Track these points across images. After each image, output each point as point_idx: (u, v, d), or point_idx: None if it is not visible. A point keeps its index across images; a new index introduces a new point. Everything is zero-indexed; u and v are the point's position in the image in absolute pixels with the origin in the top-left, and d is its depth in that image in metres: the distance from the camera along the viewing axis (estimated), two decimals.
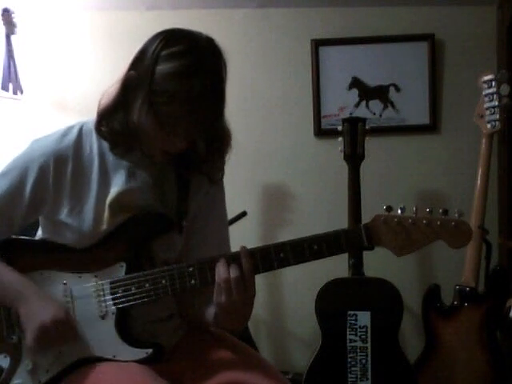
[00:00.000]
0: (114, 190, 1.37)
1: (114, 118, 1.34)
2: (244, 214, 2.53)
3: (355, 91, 2.80)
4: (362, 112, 2.77)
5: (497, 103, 2.35)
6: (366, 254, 2.38)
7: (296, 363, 2.78)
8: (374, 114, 2.80)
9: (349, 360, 2.34)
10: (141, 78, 1.27)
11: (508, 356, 2.31)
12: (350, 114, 2.76)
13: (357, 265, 2.39)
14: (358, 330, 2.33)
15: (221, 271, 1.27)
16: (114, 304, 1.34)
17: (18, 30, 2.54)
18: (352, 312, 2.33)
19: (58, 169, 1.36)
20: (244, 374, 1.34)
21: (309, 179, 2.82)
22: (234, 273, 1.27)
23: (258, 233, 2.79)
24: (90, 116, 1.43)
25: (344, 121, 2.45)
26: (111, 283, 1.34)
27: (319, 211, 2.79)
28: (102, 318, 1.34)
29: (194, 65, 1.25)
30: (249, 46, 2.80)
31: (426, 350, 2.38)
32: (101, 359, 1.33)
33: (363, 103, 2.80)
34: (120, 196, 1.37)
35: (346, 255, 2.43)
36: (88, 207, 1.37)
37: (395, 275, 2.45)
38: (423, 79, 2.78)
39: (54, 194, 1.37)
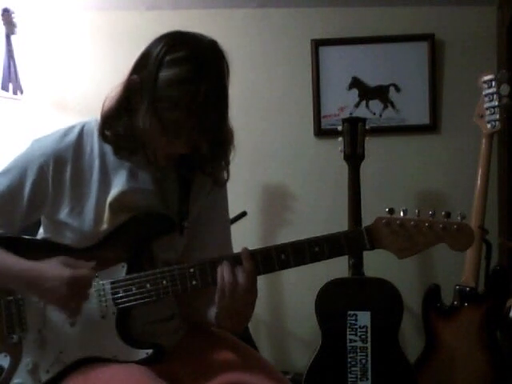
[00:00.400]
0: (114, 191, 1.37)
1: (117, 123, 1.34)
2: (244, 214, 2.53)
3: (355, 91, 2.80)
4: (362, 112, 2.77)
5: (497, 103, 2.35)
6: (366, 254, 2.38)
7: (296, 363, 2.78)
8: (374, 113, 2.80)
9: (349, 360, 2.34)
10: (144, 83, 1.27)
11: (508, 356, 2.31)
12: (350, 113, 2.76)
13: (357, 265, 2.39)
14: (358, 329, 2.33)
15: (223, 273, 1.27)
16: (115, 304, 1.34)
17: (17, 30, 2.54)
18: (352, 312, 2.33)
19: (58, 169, 1.36)
20: (244, 375, 1.34)
21: (309, 179, 2.82)
22: (235, 275, 1.27)
23: (258, 233, 2.79)
24: (89, 116, 1.43)
25: (344, 121, 2.45)
26: (112, 283, 1.34)
27: (319, 211, 2.79)
28: (103, 317, 1.34)
29: (197, 71, 1.25)
30: (249, 46, 2.80)
31: (426, 350, 2.39)
32: (101, 359, 1.34)
33: (363, 103, 2.80)
34: (121, 196, 1.37)
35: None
36: (88, 207, 1.37)
37: (395, 275, 2.45)
38: (423, 79, 2.78)
39: (54, 194, 1.37)
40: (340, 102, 2.80)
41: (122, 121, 1.33)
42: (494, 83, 2.35)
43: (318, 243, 1.29)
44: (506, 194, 2.76)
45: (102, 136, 1.37)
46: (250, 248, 1.32)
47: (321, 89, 2.79)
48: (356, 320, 2.33)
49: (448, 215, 1.28)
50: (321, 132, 2.81)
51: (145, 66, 1.29)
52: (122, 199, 1.37)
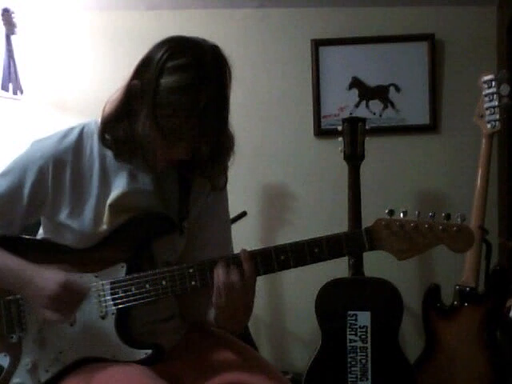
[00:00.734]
0: (115, 192, 1.37)
1: (117, 127, 1.33)
2: (244, 214, 2.53)
3: (355, 91, 2.80)
4: (362, 112, 2.77)
5: (497, 103, 2.35)
6: (366, 254, 2.37)
7: (296, 363, 2.79)
8: (374, 113, 2.80)
9: (349, 360, 2.34)
10: (145, 88, 1.27)
11: (508, 356, 2.31)
12: (350, 114, 2.76)
13: (357, 265, 2.39)
14: (358, 329, 2.33)
15: (220, 274, 1.27)
16: (114, 304, 1.34)
17: (17, 30, 2.55)
18: (352, 312, 2.33)
19: (57, 171, 1.36)
20: (244, 375, 1.34)
21: (309, 179, 2.82)
22: (233, 275, 1.27)
23: (257, 233, 2.79)
24: (89, 116, 1.44)
25: (344, 121, 2.45)
26: (111, 283, 1.34)
27: (319, 211, 2.79)
28: (102, 318, 1.34)
29: (199, 78, 1.24)
30: (249, 46, 2.80)
31: (426, 350, 2.38)
32: (100, 359, 1.33)
33: (363, 103, 2.81)
34: (121, 198, 1.37)
35: None
36: (88, 208, 1.37)
37: (395, 275, 2.46)
38: (423, 79, 2.78)
39: (54, 196, 1.37)
40: (340, 102, 2.80)
41: (122, 125, 1.33)
42: (493, 83, 2.35)
43: (318, 244, 1.29)
44: (506, 194, 2.76)
45: (102, 140, 1.37)
46: (250, 248, 1.32)
47: (321, 89, 2.80)
48: (356, 320, 2.33)
49: (448, 217, 1.28)
50: (321, 132, 2.81)
51: (146, 71, 1.28)
52: (122, 200, 1.37)
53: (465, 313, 2.32)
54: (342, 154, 2.44)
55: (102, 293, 1.34)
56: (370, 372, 2.33)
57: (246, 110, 2.76)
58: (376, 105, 2.80)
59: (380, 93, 2.80)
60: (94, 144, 1.39)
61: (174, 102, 1.24)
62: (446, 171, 2.81)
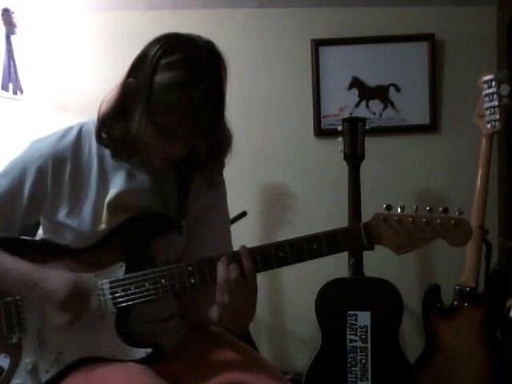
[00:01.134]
0: (113, 191, 1.37)
1: (114, 126, 1.33)
2: (244, 214, 2.52)
3: (355, 91, 2.80)
4: (362, 112, 2.77)
5: (497, 103, 2.35)
6: (366, 253, 2.39)
7: (296, 363, 2.78)
8: (374, 114, 2.80)
9: (349, 360, 2.34)
10: (140, 86, 1.26)
11: (508, 356, 2.31)
12: (350, 114, 2.76)
13: (357, 265, 2.39)
14: (358, 329, 2.33)
15: (222, 271, 1.27)
16: (114, 304, 1.34)
17: (17, 29, 2.54)
18: (352, 312, 2.33)
19: (57, 170, 1.36)
20: (244, 375, 1.34)
21: (309, 179, 2.82)
22: (234, 272, 1.27)
23: (257, 233, 2.79)
24: (89, 116, 1.43)
25: (344, 121, 2.45)
26: (111, 283, 1.34)
27: (319, 211, 2.79)
28: (102, 317, 1.34)
29: (193, 75, 1.24)
30: (249, 46, 2.80)
31: (426, 350, 2.38)
32: (100, 359, 1.34)
33: (363, 103, 2.80)
34: (119, 197, 1.37)
35: (346, 255, 2.43)
36: (87, 208, 1.37)
37: (395, 275, 2.46)
38: (423, 79, 2.78)
39: (53, 195, 1.37)
40: (340, 102, 2.80)
41: (118, 124, 1.33)
42: (493, 83, 2.35)
43: (316, 240, 1.29)
44: (506, 194, 2.76)
45: (99, 139, 1.36)
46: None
47: (321, 89, 2.79)
48: (356, 320, 2.33)
49: (445, 211, 1.28)
50: (321, 132, 2.81)
51: (141, 69, 1.27)
52: (120, 199, 1.37)
53: (465, 313, 2.32)
54: (342, 154, 2.44)
55: (101, 292, 1.34)
56: (370, 372, 2.33)
57: (246, 110, 2.76)
58: (376, 105, 2.80)
59: (380, 93, 2.80)
60: (92, 143, 1.39)
61: (170, 99, 1.24)
62: (446, 171, 2.81)
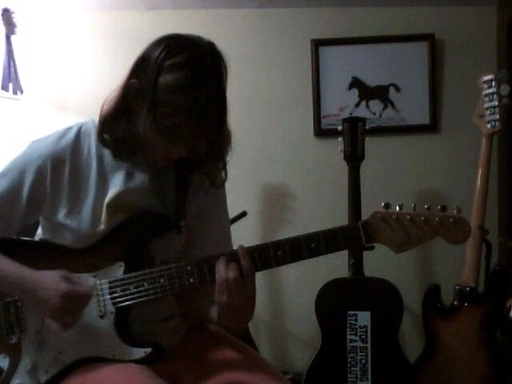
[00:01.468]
0: (112, 191, 1.37)
1: (116, 127, 1.34)
2: (244, 214, 2.53)
3: (355, 91, 2.80)
4: (362, 112, 2.77)
5: (497, 103, 2.35)
6: (366, 253, 2.39)
7: (296, 363, 2.78)
8: (374, 114, 2.80)
9: (349, 360, 2.34)
10: (143, 87, 1.27)
11: (508, 356, 2.31)
12: (350, 114, 2.76)
13: (357, 265, 2.39)
14: (358, 329, 2.33)
15: (221, 271, 1.27)
16: (113, 303, 1.34)
17: (17, 30, 2.54)
18: (352, 312, 2.33)
19: (56, 170, 1.36)
20: (244, 374, 1.34)
21: (309, 179, 2.82)
22: (233, 272, 1.27)
23: (257, 233, 2.79)
24: (89, 116, 1.44)
25: (344, 121, 2.45)
26: (110, 283, 1.34)
27: (319, 211, 2.79)
28: (101, 317, 1.34)
29: (197, 76, 1.25)
30: (249, 46, 2.80)
31: (426, 350, 2.38)
32: (100, 359, 1.34)
33: (363, 103, 2.80)
34: (118, 197, 1.37)
35: (346, 255, 2.43)
36: (86, 208, 1.37)
37: (395, 275, 2.46)
38: (423, 79, 2.78)
39: (52, 196, 1.37)
40: (340, 102, 2.80)
41: (120, 125, 1.33)
42: (493, 83, 2.34)
43: (315, 239, 1.29)
44: (506, 194, 2.76)
45: (101, 140, 1.37)
46: None
47: (321, 89, 2.79)
48: (356, 320, 2.33)
49: (444, 209, 1.28)
50: (321, 132, 2.81)
51: (144, 70, 1.28)
52: (119, 200, 1.37)
53: (465, 313, 2.32)
54: (342, 154, 2.44)
55: (100, 292, 1.34)
56: (370, 372, 2.33)
57: (246, 110, 2.76)
58: (376, 105, 2.80)
59: (380, 93, 2.80)
60: (91, 143, 1.39)
61: (174, 100, 1.24)
62: (445, 171, 2.81)
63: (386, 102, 2.80)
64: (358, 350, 2.33)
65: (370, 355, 2.33)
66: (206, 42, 1.30)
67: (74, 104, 2.71)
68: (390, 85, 2.80)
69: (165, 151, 1.33)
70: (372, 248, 2.18)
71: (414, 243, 1.29)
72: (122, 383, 1.26)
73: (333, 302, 2.37)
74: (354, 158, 2.43)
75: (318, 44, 2.78)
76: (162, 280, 1.32)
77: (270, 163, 2.82)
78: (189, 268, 1.32)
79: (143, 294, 1.33)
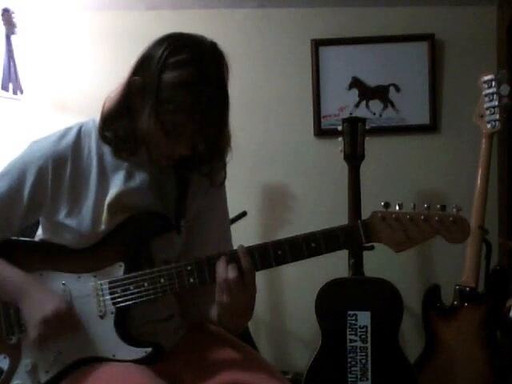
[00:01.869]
0: (112, 191, 1.37)
1: (118, 124, 1.34)
2: (244, 214, 2.53)
3: (355, 91, 2.80)
4: (362, 112, 2.77)
5: (497, 103, 2.34)
6: (366, 254, 2.38)
7: (296, 363, 2.78)
8: (374, 114, 2.80)
9: (349, 360, 2.34)
10: (146, 85, 1.27)
11: (508, 356, 2.31)
12: (350, 114, 2.76)
13: (357, 265, 2.39)
14: (358, 329, 2.33)
15: (221, 271, 1.27)
16: (113, 304, 1.34)
17: (17, 29, 2.54)
18: (352, 312, 2.33)
19: (57, 170, 1.36)
20: (244, 374, 1.34)
21: (309, 179, 2.82)
22: (233, 272, 1.27)
23: (257, 233, 2.79)
24: (89, 116, 1.44)
25: (344, 121, 2.45)
26: (110, 283, 1.34)
27: (319, 211, 2.79)
28: (101, 317, 1.34)
29: (201, 73, 1.25)
30: (249, 46, 2.80)
31: (426, 350, 2.38)
32: (100, 359, 1.34)
33: (363, 103, 2.80)
34: (119, 196, 1.37)
35: (346, 255, 2.43)
36: (86, 208, 1.37)
37: (395, 275, 2.46)
38: (423, 79, 2.78)
39: (53, 196, 1.37)
40: (340, 102, 2.80)
41: (122, 122, 1.33)
42: (493, 83, 2.34)
43: (315, 238, 1.29)
44: (506, 194, 2.76)
45: (102, 137, 1.37)
46: None
47: (321, 89, 2.79)
48: (356, 320, 2.33)
49: (443, 208, 1.28)
50: (321, 132, 2.81)
51: (146, 67, 1.28)
52: (119, 199, 1.37)
53: (465, 313, 2.32)
54: (342, 154, 2.44)
55: (100, 292, 1.34)
56: (370, 372, 2.33)
57: (246, 110, 2.76)
58: (376, 105, 2.80)
59: (380, 93, 2.80)
60: (91, 143, 1.40)
61: (177, 97, 1.25)
62: (445, 171, 2.81)
63: (386, 102, 2.80)
64: (358, 350, 2.33)
65: (370, 355, 2.33)
66: (209, 42, 1.31)
67: (74, 104, 2.71)
68: (389, 85, 2.80)
69: (166, 149, 1.33)
70: (372, 248, 2.19)
71: (413, 242, 1.29)
72: (122, 383, 1.26)
73: (333, 302, 2.37)
74: (354, 158, 2.43)
75: (318, 44, 2.78)
76: (162, 280, 1.32)
77: (270, 163, 2.82)
78: (189, 268, 1.32)
79: (143, 293, 1.33)
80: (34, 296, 1.32)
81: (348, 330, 2.33)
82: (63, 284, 1.36)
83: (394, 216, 1.28)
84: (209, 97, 1.25)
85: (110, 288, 1.34)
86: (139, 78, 1.29)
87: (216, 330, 1.50)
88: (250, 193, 2.79)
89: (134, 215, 1.37)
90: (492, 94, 2.35)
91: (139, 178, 1.40)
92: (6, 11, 2.51)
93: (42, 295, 1.32)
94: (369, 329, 2.33)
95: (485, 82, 2.37)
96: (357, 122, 2.43)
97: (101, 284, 1.34)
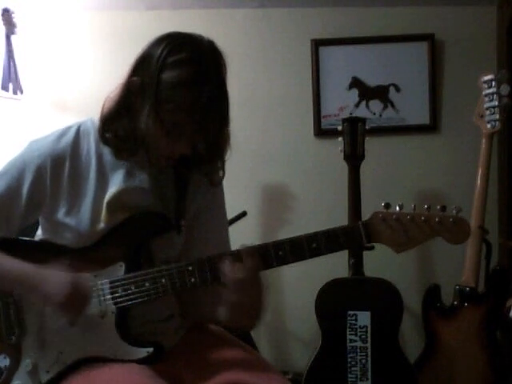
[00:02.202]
0: (112, 190, 1.37)
1: (118, 125, 1.34)
2: (244, 214, 2.53)
3: (355, 91, 2.80)
4: (362, 112, 2.77)
5: (497, 103, 2.34)
6: (366, 253, 2.39)
7: (296, 363, 2.78)
8: (374, 114, 2.80)
9: (349, 360, 2.34)
10: (145, 84, 1.27)
11: (508, 356, 2.31)
12: (350, 114, 2.76)
13: (357, 265, 2.39)
14: (358, 329, 2.33)
15: (227, 271, 1.27)
16: (114, 303, 1.34)
17: (17, 30, 2.55)
18: (352, 312, 2.33)
19: (56, 169, 1.36)
20: (244, 374, 1.34)
21: (309, 179, 2.82)
22: (239, 272, 1.26)
23: (257, 233, 2.79)
24: (89, 116, 1.44)
25: (344, 121, 2.45)
26: (111, 283, 1.34)
27: (319, 211, 2.79)
28: (102, 317, 1.34)
29: (200, 72, 1.25)
30: (249, 46, 2.80)
31: (426, 350, 2.38)
32: (101, 359, 1.33)
33: (363, 103, 2.81)
34: (118, 195, 1.37)
35: (346, 255, 2.43)
36: (85, 207, 1.37)
37: (395, 275, 2.46)
38: (423, 79, 2.78)
39: (52, 195, 1.37)
40: (340, 102, 2.80)
41: (122, 123, 1.33)
42: (493, 83, 2.34)
43: (316, 239, 1.29)
44: (506, 193, 2.76)
45: (102, 138, 1.37)
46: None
47: (321, 89, 2.80)
48: (356, 320, 2.33)
49: (444, 209, 1.28)
50: (321, 132, 2.81)
51: (146, 67, 1.28)
52: (119, 198, 1.37)
53: (465, 313, 2.32)
54: (342, 154, 2.44)
55: (101, 292, 1.34)
56: (370, 372, 2.33)
57: (246, 110, 2.76)
58: (376, 105, 2.80)
59: (380, 93, 2.80)
60: (90, 142, 1.39)
61: (177, 96, 1.25)
62: (445, 171, 2.82)
63: (386, 102, 2.80)
64: (358, 350, 2.33)
65: (370, 355, 2.33)
66: (207, 40, 1.31)
67: (74, 104, 2.71)
68: (389, 85, 2.80)
69: (166, 149, 1.33)
70: (372, 248, 2.18)
71: (414, 243, 1.29)
72: (123, 383, 1.26)
73: (333, 302, 2.37)
74: (353, 158, 2.43)
75: (318, 44, 2.78)
76: (163, 280, 1.32)
77: (270, 163, 2.82)
78: (190, 268, 1.32)
79: (144, 293, 1.33)
80: (42, 287, 1.30)
81: (348, 329, 2.33)
82: None
83: (394, 217, 1.28)
84: (209, 96, 1.25)
85: (110, 288, 1.34)
86: (138, 79, 1.29)
87: (216, 330, 1.50)
88: (250, 193, 2.79)
89: (134, 215, 1.37)
90: (492, 93, 2.35)
91: (139, 177, 1.39)
92: (6, 11, 2.52)
93: (52, 279, 1.31)
94: (369, 329, 2.33)
95: (485, 81, 2.37)
96: (357, 122, 2.43)
97: (101, 284, 1.34)
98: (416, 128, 2.80)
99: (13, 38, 2.54)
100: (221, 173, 1.45)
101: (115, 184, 1.38)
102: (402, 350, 2.35)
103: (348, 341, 2.34)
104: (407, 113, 2.80)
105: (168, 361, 1.38)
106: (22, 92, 2.56)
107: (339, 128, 2.45)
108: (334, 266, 2.41)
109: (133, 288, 1.33)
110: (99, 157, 1.39)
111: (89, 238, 1.37)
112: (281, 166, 2.82)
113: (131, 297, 1.33)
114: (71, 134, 1.39)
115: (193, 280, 1.31)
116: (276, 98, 2.82)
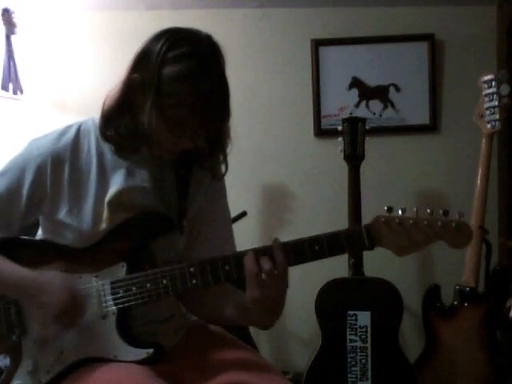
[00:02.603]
0: (112, 189, 1.37)
1: (119, 122, 1.33)
2: (244, 213, 2.52)
3: (355, 91, 2.80)
4: (362, 112, 2.77)
5: (497, 103, 2.34)
6: (366, 253, 2.38)
7: (296, 363, 2.78)
8: (374, 114, 2.80)
9: (349, 360, 2.34)
10: (146, 80, 1.27)
11: (508, 356, 2.31)
12: (350, 114, 2.76)
13: (357, 265, 2.39)
14: (358, 329, 2.33)
15: (251, 265, 1.26)
16: (115, 304, 1.34)
17: (17, 29, 2.55)
18: (352, 312, 2.33)
19: (56, 169, 1.36)
20: (244, 375, 1.34)
21: (309, 179, 2.82)
22: (266, 265, 1.25)
23: (258, 233, 2.79)
24: (89, 116, 1.43)
25: (344, 121, 2.45)
26: (112, 283, 1.34)
27: (319, 211, 2.79)
28: (103, 318, 1.34)
29: (200, 66, 1.25)
30: (249, 46, 2.80)
31: (426, 350, 2.38)
32: (101, 359, 1.33)
33: (363, 103, 2.81)
34: (119, 195, 1.36)
35: (346, 255, 2.42)
36: (87, 206, 1.37)
37: (395, 275, 2.46)
38: (423, 79, 2.78)
39: (52, 194, 1.37)
40: (340, 102, 2.80)
41: (123, 120, 1.33)
42: (493, 83, 2.34)
43: (318, 242, 1.29)
44: (506, 193, 2.76)
45: (104, 136, 1.36)
46: (250, 247, 1.31)
47: (321, 89, 2.80)
48: (356, 320, 2.33)
49: (446, 213, 1.28)
50: (321, 132, 2.81)
51: (145, 63, 1.28)
52: (120, 198, 1.36)
53: (465, 313, 2.32)
54: (342, 154, 2.44)
55: (102, 293, 1.34)
56: (369, 372, 2.33)
57: (246, 110, 2.76)
58: (376, 105, 2.80)
59: (380, 93, 2.80)
60: (91, 142, 1.39)
61: (178, 91, 1.25)
62: (445, 171, 2.82)
63: (386, 102, 2.80)
64: (358, 350, 2.33)
65: (370, 355, 2.33)
66: (205, 35, 1.31)
67: (74, 104, 2.71)
68: (389, 85, 2.80)
69: (169, 144, 1.33)
70: (372, 248, 2.18)
71: (416, 247, 1.29)
72: (123, 383, 1.26)
73: (333, 302, 2.37)
74: (354, 158, 2.43)
75: (318, 44, 2.78)
76: (164, 281, 1.32)
77: (270, 163, 2.82)
78: (192, 269, 1.31)
79: (146, 294, 1.32)
80: (39, 298, 1.30)
81: (348, 329, 2.33)
82: None
83: (397, 221, 1.28)
84: (210, 89, 1.25)
85: (111, 288, 1.33)
86: (138, 75, 1.29)
87: (216, 330, 1.50)
88: (250, 193, 2.79)
89: (136, 215, 1.37)
90: (492, 94, 2.35)
91: (140, 176, 1.39)
92: (6, 11, 2.52)
93: (49, 289, 1.30)
94: (369, 329, 2.33)
95: (485, 81, 2.37)
96: (357, 122, 2.43)
97: (102, 284, 1.34)
98: (416, 128, 2.80)
99: (13, 37, 2.54)
100: (223, 167, 1.45)
101: (116, 183, 1.37)
102: (402, 350, 2.35)
103: (348, 341, 2.34)
104: (407, 113, 2.80)
105: (168, 361, 1.38)
106: (21, 92, 2.57)
107: (339, 128, 2.45)
108: (334, 265, 2.40)
109: (134, 289, 1.33)
110: (100, 156, 1.38)
111: (90, 238, 1.37)
112: (281, 165, 2.82)
113: (132, 298, 1.33)
114: (72, 133, 1.39)
115: (194, 282, 1.31)
116: (276, 98, 2.82)
